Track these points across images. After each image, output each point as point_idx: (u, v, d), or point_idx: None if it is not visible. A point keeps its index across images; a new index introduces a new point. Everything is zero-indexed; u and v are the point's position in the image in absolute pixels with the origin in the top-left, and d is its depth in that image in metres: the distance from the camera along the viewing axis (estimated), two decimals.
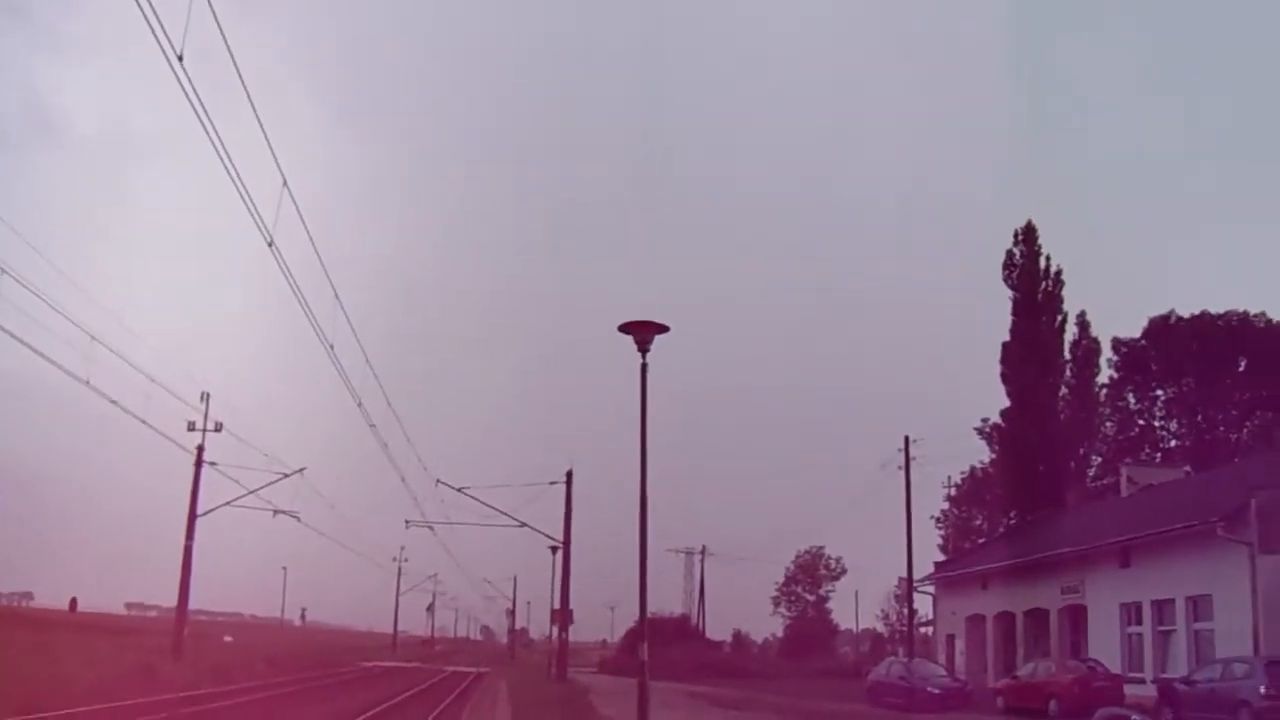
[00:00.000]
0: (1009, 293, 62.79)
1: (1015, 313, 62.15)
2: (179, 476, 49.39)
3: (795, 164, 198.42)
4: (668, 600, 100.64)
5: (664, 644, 57.69)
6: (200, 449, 47.40)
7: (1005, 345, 62.05)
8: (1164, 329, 67.16)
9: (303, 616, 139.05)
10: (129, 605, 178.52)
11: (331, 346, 27.75)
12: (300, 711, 30.65)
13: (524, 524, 55.85)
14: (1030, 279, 62.28)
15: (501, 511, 54.30)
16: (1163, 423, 70.11)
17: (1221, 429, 67.33)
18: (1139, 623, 38.67)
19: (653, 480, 19.56)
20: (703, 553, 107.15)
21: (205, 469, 47.66)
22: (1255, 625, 31.78)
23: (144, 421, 49.60)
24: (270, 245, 20.61)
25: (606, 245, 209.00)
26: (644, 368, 19.29)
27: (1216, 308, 66.96)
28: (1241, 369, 65.39)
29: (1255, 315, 65.26)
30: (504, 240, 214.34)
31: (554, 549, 58.57)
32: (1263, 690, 26.90)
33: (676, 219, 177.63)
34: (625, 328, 18.89)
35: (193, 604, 51.93)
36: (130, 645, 44.69)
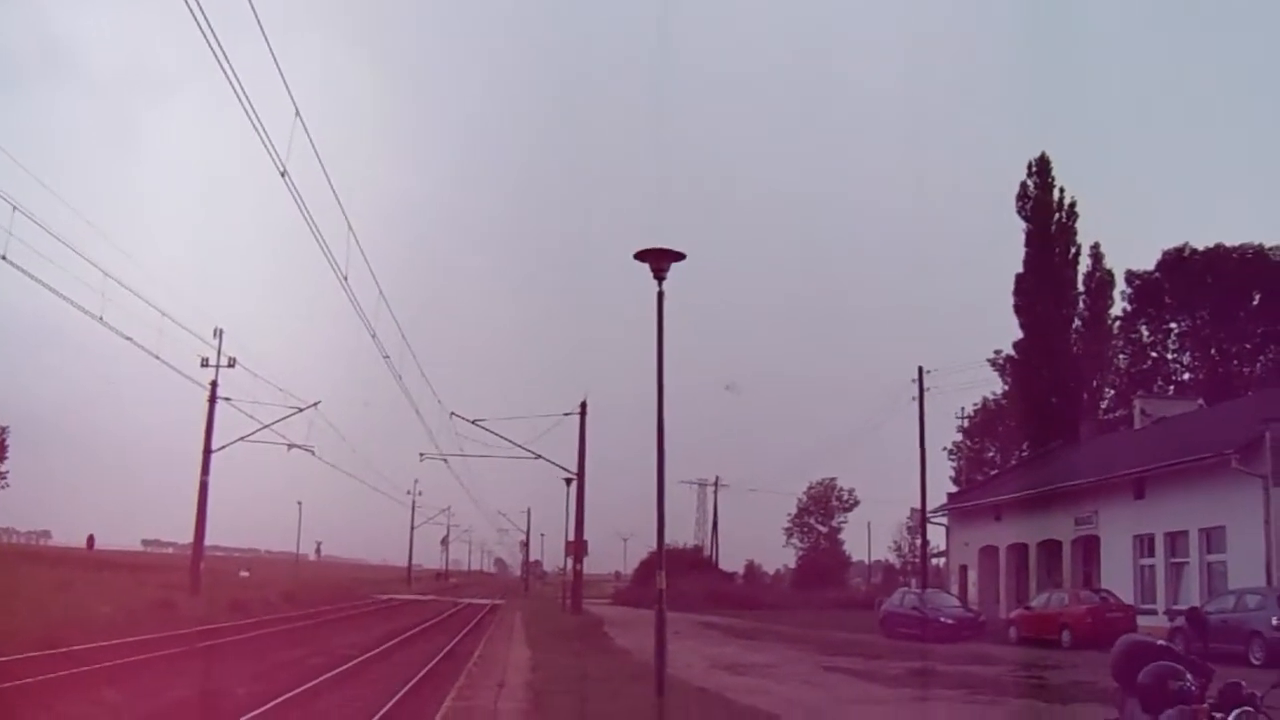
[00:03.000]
0: (1022, 224, 62.64)
1: (1029, 244, 61.98)
2: (193, 413, 49.61)
3: (807, 96, 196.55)
4: (680, 532, 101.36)
5: (677, 575, 57.97)
6: (214, 384, 47.56)
7: (1018, 277, 61.97)
8: (1178, 262, 66.78)
9: (318, 551, 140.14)
10: (145, 542, 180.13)
11: (345, 278, 27.70)
12: (320, 644, 30.94)
13: (538, 456, 56.08)
14: (1044, 211, 62.07)
15: (516, 444, 54.55)
16: (1176, 356, 69.99)
17: (1235, 362, 67.13)
18: (1152, 554, 38.85)
19: (666, 411, 19.53)
20: (715, 484, 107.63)
21: (219, 405, 47.82)
22: (1268, 557, 31.95)
23: (157, 358, 49.74)
24: (283, 175, 20.54)
25: (621, 173, 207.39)
26: (660, 295, 19.18)
27: (1231, 241, 66.64)
28: (1256, 302, 65.03)
29: (1270, 248, 64.75)
30: (518, 169, 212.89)
31: (568, 481, 58.62)
32: (1275, 621, 27.02)
33: (689, 136, 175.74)
34: (641, 255, 18.78)
35: (209, 540, 52.42)
36: (148, 581, 45.03)
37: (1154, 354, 69.86)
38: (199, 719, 15.85)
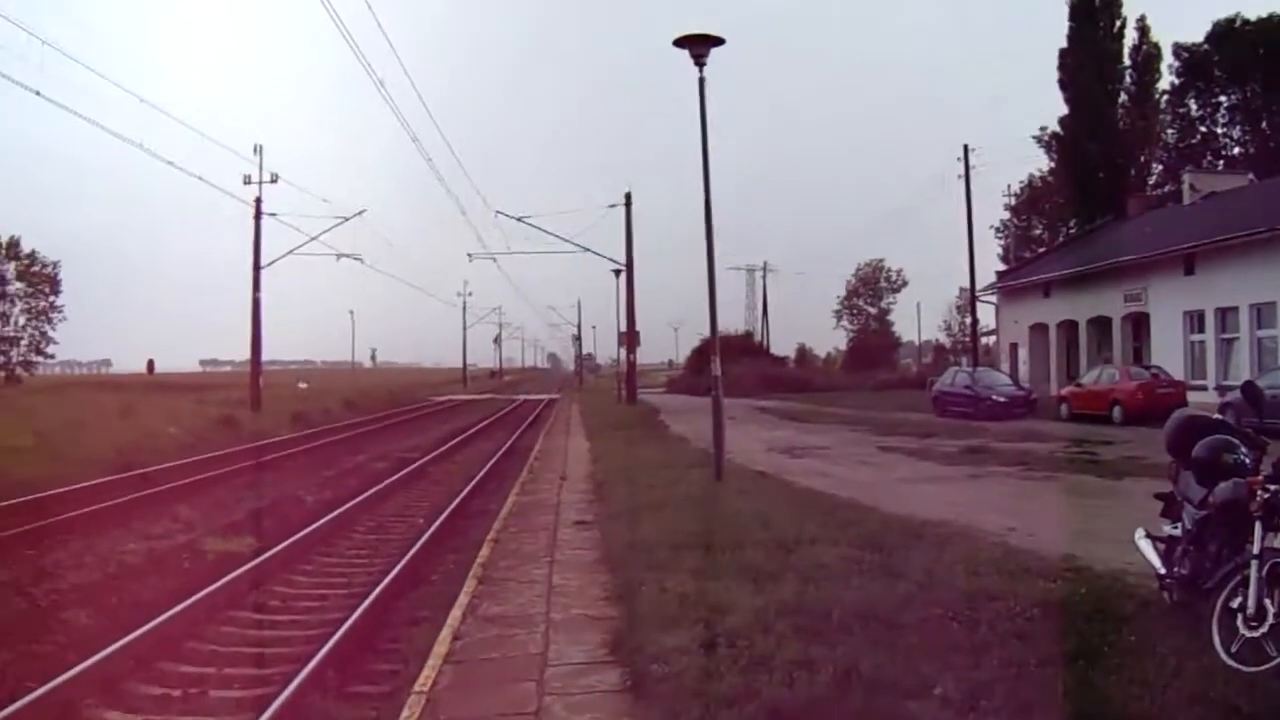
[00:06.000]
0: None
1: (1073, 18, 60.10)
2: (241, 232, 49.89)
3: None
4: (730, 318, 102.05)
5: (729, 361, 58.13)
6: (258, 201, 47.57)
7: (1063, 52, 60.36)
8: (1229, 33, 64.60)
9: (373, 358, 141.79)
10: (203, 362, 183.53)
11: (382, 83, 27.48)
12: (382, 449, 31.63)
13: (586, 249, 56.20)
14: None
15: (563, 238, 54.64)
16: (1225, 129, 68.30)
17: None
18: (1202, 330, 38.76)
19: (713, 199, 19.50)
20: (764, 269, 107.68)
21: (266, 221, 47.94)
22: None
23: (201, 179, 49.85)
24: None
25: None
26: (701, 82, 19.00)
27: None
28: None
29: None
30: None
31: (617, 272, 58.71)
32: None
33: None
34: (680, 41, 18.58)
35: (265, 355, 53.17)
36: (209, 400, 45.88)
37: (1203, 128, 68.27)
38: (272, 528, 16.32)
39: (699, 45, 18.64)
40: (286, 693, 8.07)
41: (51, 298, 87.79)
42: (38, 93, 28.72)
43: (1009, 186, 78.86)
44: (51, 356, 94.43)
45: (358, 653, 9.72)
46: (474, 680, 7.78)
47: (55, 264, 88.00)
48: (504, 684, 7.62)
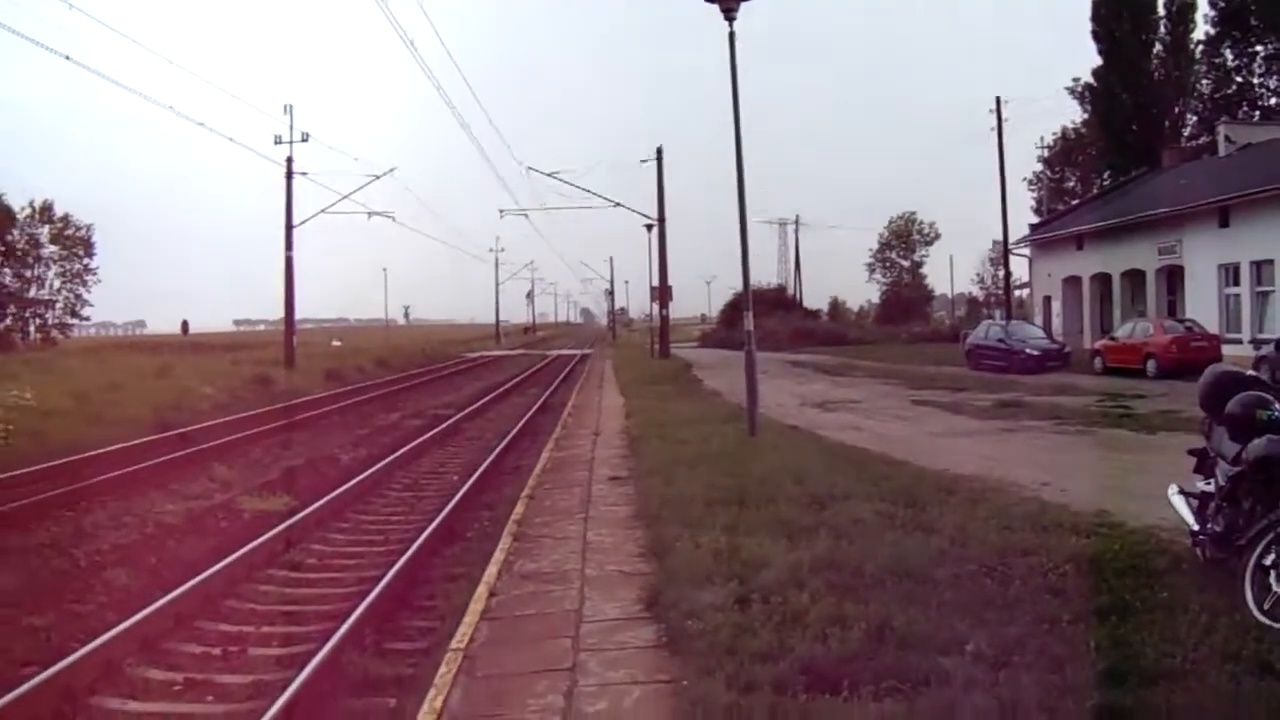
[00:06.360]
0: None
1: None
2: (273, 191, 50.07)
3: None
4: (763, 272, 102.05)
5: (762, 314, 58.01)
6: (289, 160, 47.61)
7: (1096, 2, 59.75)
8: None
9: (406, 315, 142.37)
10: (237, 322, 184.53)
11: (412, 42, 27.54)
12: (416, 405, 31.80)
13: (618, 204, 56.22)
14: None
15: (594, 193, 54.62)
16: (1262, 79, 67.19)
17: None
18: (1237, 284, 38.42)
19: (744, 154, 19.49)
20: (796, 223, 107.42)
21: (297, 180, 47.98)
22: None
23: (232, 140, 50.03)
24: None
25: None
26: (732, 36, 18.96)
27: None
28: None
29: None
30: None
31: (648, 227, 58.68)
32: None
33: None
34: None
35: (299, 314, 53.47)
36: (243, 360, 46.10)
37: (1239, 79, 67.18)
38: (308, 486, 16.48)
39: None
40: (325, 650, 8.18)
41: (85, 260, 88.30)
42: (67, 57, 28.87)
43: (1042, 138, 78.33)
44: (87, 319, 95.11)
45: (395, 610, 9.83)
46: (510, 637, 7.87)
47: (89, 227, 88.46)
48: (540, 640, 7.72)
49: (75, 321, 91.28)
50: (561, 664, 7.12)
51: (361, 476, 17.02)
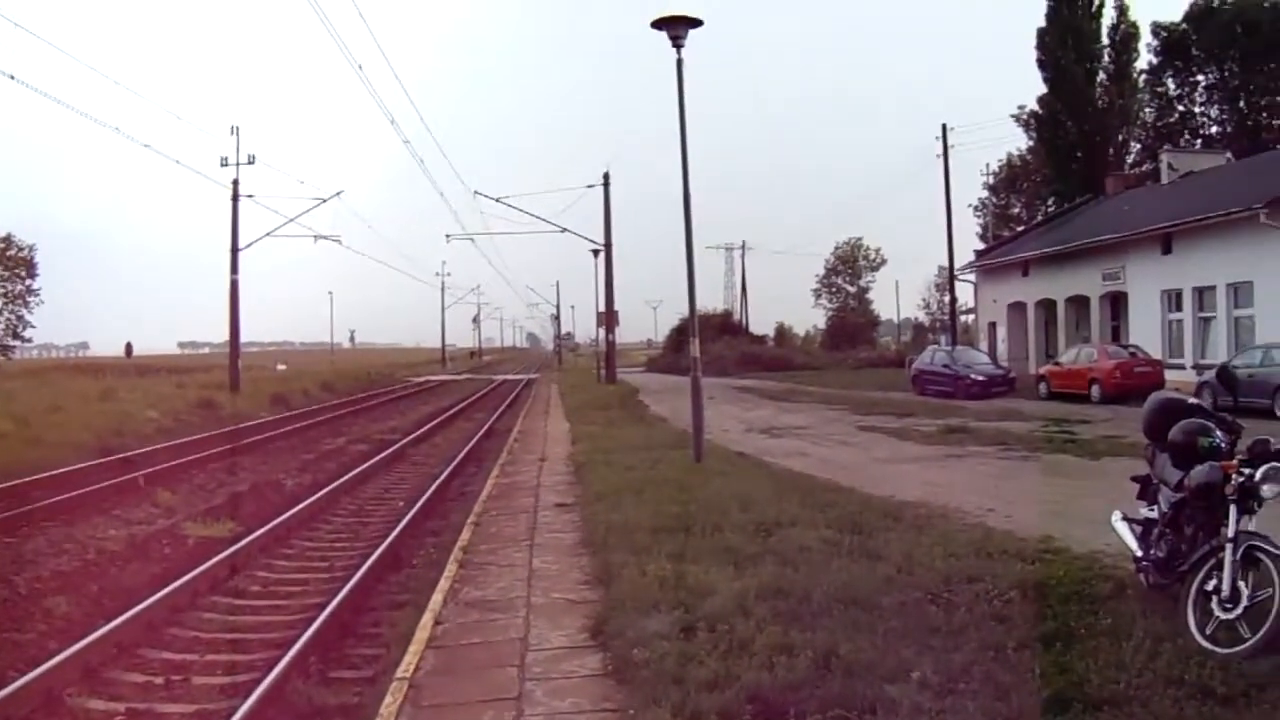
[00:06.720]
0: None
1: None
2: (218, 214, 49.81)
3: None
4: (709, 297, 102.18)
5: (708, 340, 58.25)
6: (235, 183, 47.28)
7: (1041, 31, 60.72)
8: (1206, 13, 64.57)
9: (351, 339, 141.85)
10: (182, 345, 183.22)
11: (360, 66, 27.47)
12: (361, 430, 31.64)
13: (565, 229, 56.13)
14: None
15: (541, 218, 54.56)
16: (1203, 109, 68.37)
17: (1264, 115, 65.46)
18: (1179, 309, 38.82)
19: (691, 178, 19.59)
20: (743, 248, 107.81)
21: (244, 202, 47.66)
22: None
23: (178, 161, 49.56)
24: None
25: None
26: (679, 63, 19.07)
27: None
28: None
29: None
30: None
31: (595, 252, 58.67)
32: None
33: None
34: (658, 23, 18.64)
35: (243, 337, 52.91)
36: (188, 383, 45.69)
37: (1181, 107, 68.34)
38: (253, 512, 16.35)
39: (677, 27, 18.66)
40: (270, 678, 8.09)
41: (28, 281, 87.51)
42: (12, 76, 28.64)
43: (988, 165, 79.18)
44: (28, 340, 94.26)
45: (340, 638, 9.75)
46: (456, 665, 7.81)
47: (31, 247, 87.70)
48: (486, 669, 7.66)
49: (17, 343, 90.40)
50: (508, 693, 7.06)
51: (306, 502, 16.89)
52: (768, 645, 7.05)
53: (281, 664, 8.42)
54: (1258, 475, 7.32)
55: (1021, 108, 68.64)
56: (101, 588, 11.76)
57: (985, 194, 79.66)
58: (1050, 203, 65.04)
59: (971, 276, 58.60)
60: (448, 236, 66.91)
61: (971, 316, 63.86)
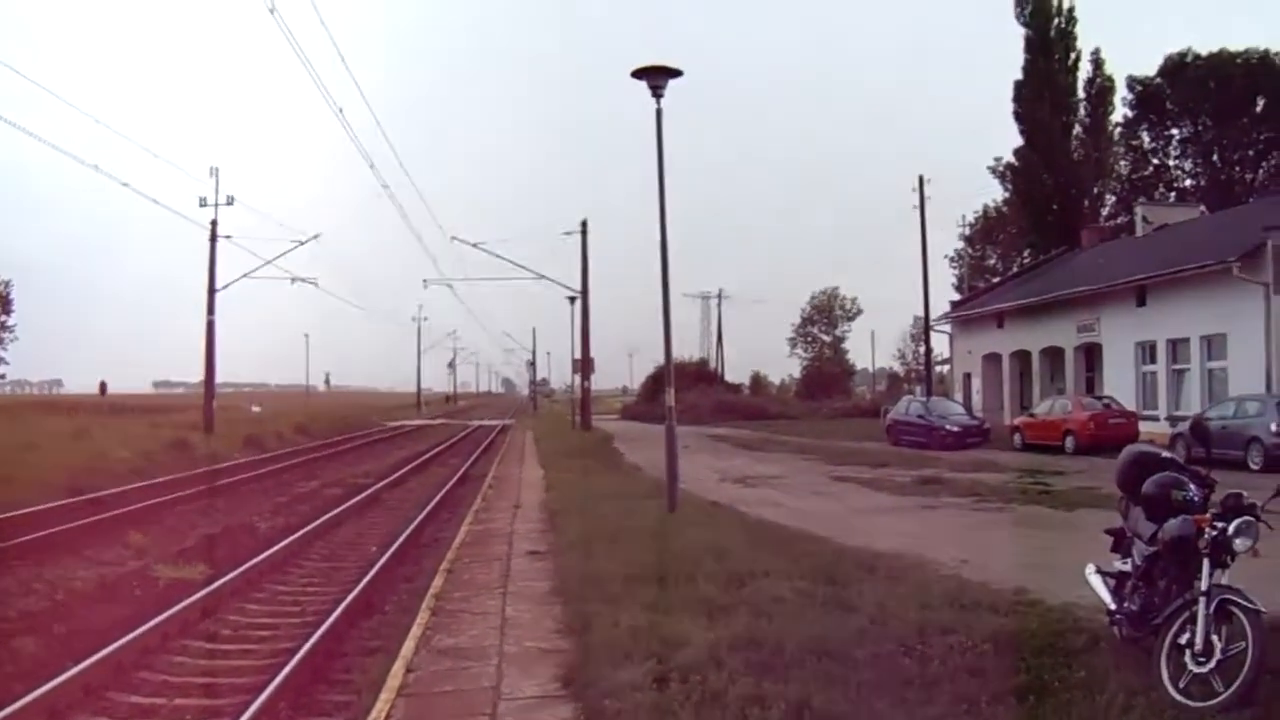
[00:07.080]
0: (1022, 30, 61.69)
1: (1028, 50, 61.21)
2: (196, 254, 49.72)
3: None
4: (685, 345, 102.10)
5: (684, 388, 58.17)
6: (214, 223, 47.25)
7: (1018, 84, 61.45)
8: (1180, 68, 65.62)
9: (327, 382, 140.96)
10: (156, 384, 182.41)
11: (340, 110, 27.51)
12: (336, 474, 31.45)
13: (541, 276, 56.22)
14: (1043, 16, 60.97)
15: (518, 265, 54.63)
16: (1178, 162, 69.33)
17: (1237, 169, 66.50)
18: (1153, 361, 39.06)
19: (669, 227, 19.68)
20: (719, 296, 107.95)
21: (221, 243, 47.60)
22: (1268, 364, 32.20)
23: (156, 201, 49.60)
24: (272, 12, 20.46)
25: None
26: (659, 113, 19.19)
27: (1235, 46, 65.33)
28: (1259, 108, 63.87)
29: (1275, 54, 63.25)
30: None
31: (572, 299, 58.83)
32: (1274, 428, 27.29)
33: None
34: (638, 73, 18.76)
35: (219, 378, 52.76)
36: (162, 423, 45.49)
37: (1155, 161, 69.27)
38: (225, 555, 16.22)
39: (657, 77, 18.79)
40: None
41: (3, 317, 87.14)
42: None
43: (964, 216, 79.67)
44: (1, 376, 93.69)
45: (311, 683, 9.66)
46: (427, 713, 7.77)
47: (6, 283, 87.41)
48: (457, 718, 7.61)
49: None
50: None
51: (279, 546, 16.77)
52: (740, 697, 7.02)
53: (251, 709, 8.33)
54: (1230, 529, 7.35)
55: (998, 159, 69.43)
56: (70, 629, 11.64)
57: (961, 245, 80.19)
58: (1026, 254, 65.58)
59: (947, 327, 58.83)
60: (425, 282, 66.68)
61: (947, 367, 64.08)
